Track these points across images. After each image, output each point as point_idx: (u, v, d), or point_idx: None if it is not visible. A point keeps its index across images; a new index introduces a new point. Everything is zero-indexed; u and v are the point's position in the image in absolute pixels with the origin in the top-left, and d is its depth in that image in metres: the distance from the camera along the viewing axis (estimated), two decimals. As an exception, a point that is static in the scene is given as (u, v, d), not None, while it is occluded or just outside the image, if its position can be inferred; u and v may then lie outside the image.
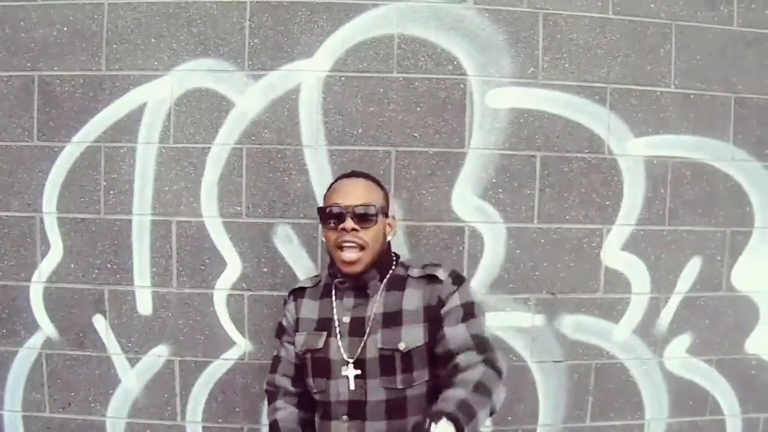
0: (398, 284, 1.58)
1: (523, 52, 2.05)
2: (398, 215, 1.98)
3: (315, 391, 1.58)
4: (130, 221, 2.04)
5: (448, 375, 1.42)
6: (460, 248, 2.03)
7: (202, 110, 2.02)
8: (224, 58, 2.02)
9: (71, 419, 2.07)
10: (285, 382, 1.65)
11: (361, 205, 1.52)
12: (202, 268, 2.03)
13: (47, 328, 2.06)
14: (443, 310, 1.51)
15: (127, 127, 2.03)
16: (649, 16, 2.08)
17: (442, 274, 1.55)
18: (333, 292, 1.62)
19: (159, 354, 2.05)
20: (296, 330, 1.64)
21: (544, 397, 2.09)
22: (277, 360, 1.68)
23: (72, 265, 2.05)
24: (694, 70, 2.11)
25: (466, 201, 2.04)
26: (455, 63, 2.03)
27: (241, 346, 2.04)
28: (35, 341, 2.07)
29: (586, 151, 2.07)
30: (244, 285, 2.03)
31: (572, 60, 2.06)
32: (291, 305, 1.69)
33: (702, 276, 2.13)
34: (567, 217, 2.07)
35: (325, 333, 1.58)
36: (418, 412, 1.46)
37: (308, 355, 1.58)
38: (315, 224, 2.01)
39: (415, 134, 2.03)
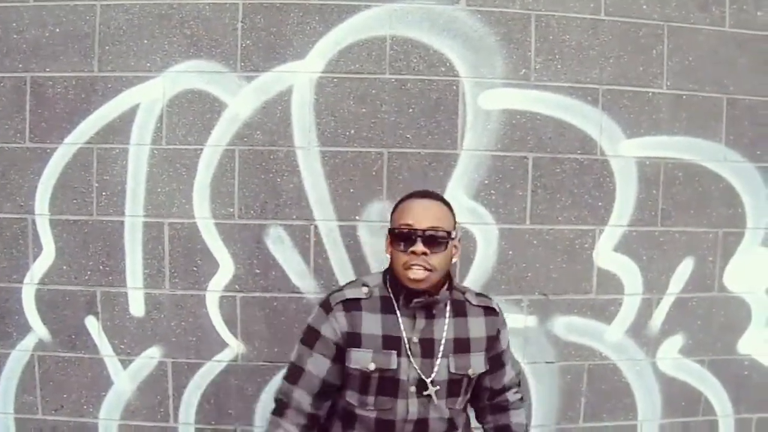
0: (461, 310, 1.59)
1: (516, 53, 2.05)
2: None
3: (373, 408, 1.52)
4: (122, 223, 2.04)
5: (498, 406, 1.65)
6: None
7: (194, 112, 2.02)
8: (217, 59, 2.02)
9: (64, 421, 2.07)
10: (303, 399, 1.53)
11: (433, 228, 1.48)
12: (195, 269, 2.03)
13: (39, 330, 2.06)
14: (501, 345, 1.61)
15: (120, 128, 2.02)
16: (641, 18, 2.09)
17: (496, 306, 1.64)
18: (397, 308, 1.54)
19: (151, 356, 2.05)
20: (350, 345, 1.52)
21: (536, 398, 2.09)
22: (299, 371, 1.54)
23: (64, 267, 2.05)
24: (686, 72, 2.11)
25: (459, 202, 2.04)
26: (448, 64, 2.03)
27: (234, 347, 2.03)
28: (27, 343, 2.06)
29: (579, 152, 2.08)
30: (236, 286, 2.03)
31: (564, 61, 2.06)
32: (341, 315, 1.53)
33: (694, 277, 2.14)
34: (559, 218, 2.08)
35: (394, 352, 1.51)
36: (462, 424, 1.61)
37: (376, 374, 1.51)
38: (307, 225, 2.02)
39: (408, 135, 2.03)
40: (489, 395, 1.65)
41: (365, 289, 1.58)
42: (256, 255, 2.02)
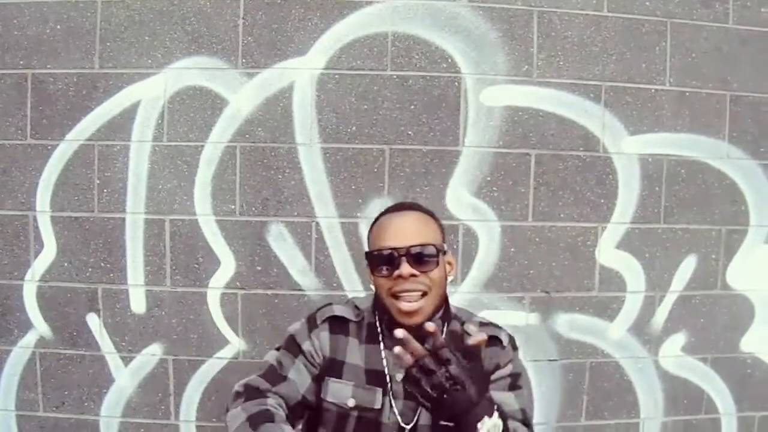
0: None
1: (518, 49, 2.04)
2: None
3: None
4: (123, 220, 2.03)
5: None
6: (455, 247, 2.02)
7: (195, 108, 2.01)
8: (218, 55, 2.01)
9: (65, 418, 2.07)
10: (280, 403, 1.29)
11: (418, 245, 1.26)
12: (196, 266, 2.03)
13: (41, 327, 2.06)
14: (494, 376, 1.32)
15: (121, 125, 2.02)
16: (644, 14, 2.08)
17: (505, 337, 1.37)
18: (381, 339, 1.34)
19: (153, 353, 2.04)
20: (329, 374, 1.33)
21: (538, 396, 2.08)
22: (279, 376, 1.32)
23: (65, 264, 2.04)
24: (689, 68, 2.10)
25: (461, 199, 2.03)
26: (449, 61, 2.02)
27: (235, 344, 2.03)
28: (29, 340, 2.06)
29: (581, 149, 2.07)
30: (237, 283, 2.02)
31: (567, 58, 2.06)
32: (325, 335, 1.35)
33: (697, 274, 2.13)
34: (561, 216, 2.07)
35: (380, 389, 1.31)
36: None
37: (355, 413, 1.30)
38: (308, 222, 2.01)
39: (409, 132, 2.03)
40: None
41: (356, 312, 1.39)
42: (257, 252, 2.02)
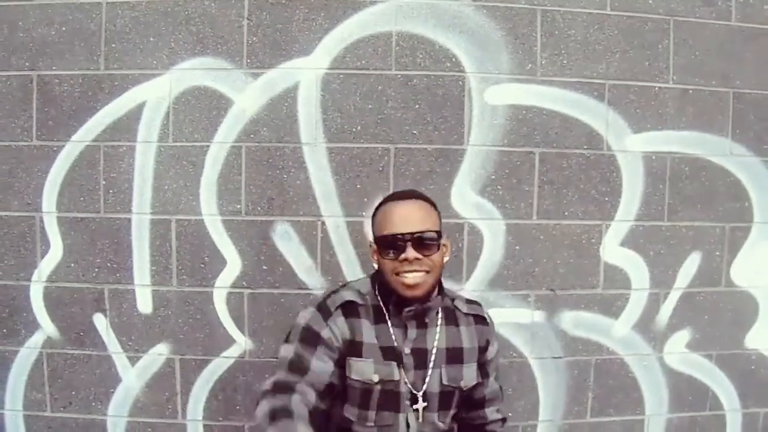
0: (452, 318, 1.53)
1: (522, 48, 2.05)
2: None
3: (374, 424, 1.44)
4: (129, 220, 2.04)
5: (476, 426, 1.60)
6: (459, 245, 2.03)
7: (200, 109, 2.02)
8: (223, 56, 2.02)
9: (72, 418, 2.08)
10: (308, 392, 1.36)
11: (423, 231, 1.40)
12: (202, 266, 2.04)
13: (48, 328, 2.06)
14: (488, 356, 1.57)
15: (126, 126, 2.03)
16: (647, 12, 2.09)
17: (486, 315, 1.60)
18: (388, 318, 1.47)
19: (159, 352, 2.05)
20: (350, 354, 1.44)
21: (543, 393, 2.09)
22: (302, 369, 1.38)
23: (72, 264, 2.05)
24: (692, 66, 2.11)
25: (465, 198, 2.04)
26: (453, 60, 2.03)
27: (242, 344, 2.04)
28: (36, 340, 2.07)
29: (585, 147, 2.07)
30: (243, 283, 2.03)
31: (570, 56, 2.06)
32: (341, 321, 1.45)
33: (701, 271, 2.13)
34: (566, 213, 2.08)
35: (394, 363, 1.44)
36: None
37: (379, 386, 1.43)
38: (314, 221, 2.02)
39: (414, 131, 2.03)
40: (468, 407, 1.58)
41: (362, 297, 1.50)
42: (263, 251, 2.02)
